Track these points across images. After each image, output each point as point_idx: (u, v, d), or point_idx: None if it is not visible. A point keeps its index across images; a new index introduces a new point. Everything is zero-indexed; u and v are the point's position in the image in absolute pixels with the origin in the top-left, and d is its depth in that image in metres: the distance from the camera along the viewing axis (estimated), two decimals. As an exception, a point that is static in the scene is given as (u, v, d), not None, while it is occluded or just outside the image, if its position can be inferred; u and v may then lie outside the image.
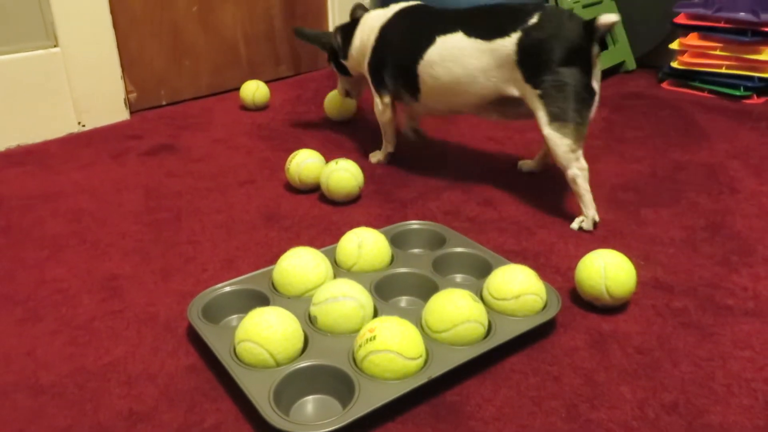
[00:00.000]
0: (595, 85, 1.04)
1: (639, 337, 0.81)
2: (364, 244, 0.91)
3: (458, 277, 0.94)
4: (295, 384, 0.71)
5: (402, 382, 0.70)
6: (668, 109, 1.65)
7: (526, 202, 1.16)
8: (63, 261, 1.00)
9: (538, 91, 1.04)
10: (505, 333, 0.78)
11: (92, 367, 0.77)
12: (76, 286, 0.94)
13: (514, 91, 1.09)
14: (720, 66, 1.71)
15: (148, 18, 1.66)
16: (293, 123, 1.60)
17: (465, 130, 1.53)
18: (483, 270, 0.91)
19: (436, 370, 0.72)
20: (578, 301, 0.88)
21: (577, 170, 1.05)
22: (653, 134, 1.48)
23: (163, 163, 1.36)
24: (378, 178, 1.28)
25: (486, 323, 0.78)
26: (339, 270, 0.92)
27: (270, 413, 0.65)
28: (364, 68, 1.30)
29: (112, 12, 1.55)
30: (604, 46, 1.90)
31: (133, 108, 1.67)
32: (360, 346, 0.72)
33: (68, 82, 1.50)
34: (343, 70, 1.40)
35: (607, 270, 0.84)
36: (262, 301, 0.84)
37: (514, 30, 1.05)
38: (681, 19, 1.74)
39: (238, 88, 1.74)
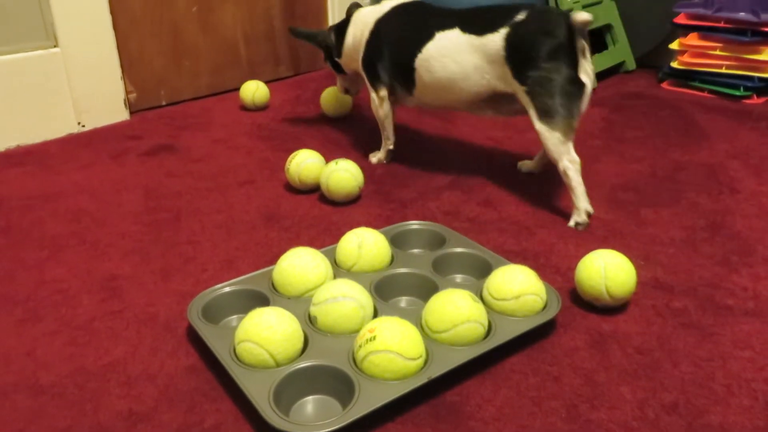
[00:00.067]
0: (585, 77, 1.05)
1: (639, 337, 0.81)
2: (364, 244, 0.91)
3: (458, 278, 0.94)
4: (295, 384, 0.71)
5: (402, 383, 0.70)
6: (668, 109, 1.65)
7: (526, 202, 1.16)
8: (63, 261, 1.00)
9: (525, 87, 1.06)
10: (505, 333, 0.78)
11: (92, 368, 0.77)
12: (76, 287, 0.94)
13: (506, 88, 1.11)
14: (720, 66, 1.71)
15: (148, 18, 1.66)
16: (293, 123, 1.60)
17: (465, 130, 1.53)
18: (483, 270, 0.91)
19: (436, 371, 0.72)
20: (578, 301, 0.88)
21: (568, 163, 1.07)
22: (653, 134, 1.48)
23: (163, 164, 1.36)
24: (378, 178, 1.28)
25: (486, 323, 0.78)
26: (339, 270, 0.92)
27: (270, 413, 0.65)
28: (359, 64, 1.31)
29: (112, 12, 1.55)
30: (603, 46, 1.91)
31: (133, 108, 1.67)
32: (360, 346, 0.72)
33: (68, 82, 1.50)
34: (339, 69, 1.42)
35: (607, 270, 0.84)
36: (262, 301, 0.84)
37: (503, 26, 1.08)
38: (681, 19, 1.74)
39: (237, 89, 1.74)
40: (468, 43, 1.12)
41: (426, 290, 0.86)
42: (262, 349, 0.72)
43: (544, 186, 1.22)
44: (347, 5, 1.40)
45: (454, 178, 1.27)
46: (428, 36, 1.17)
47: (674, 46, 1.78)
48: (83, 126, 1.55)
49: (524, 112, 1.10)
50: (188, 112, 1.69)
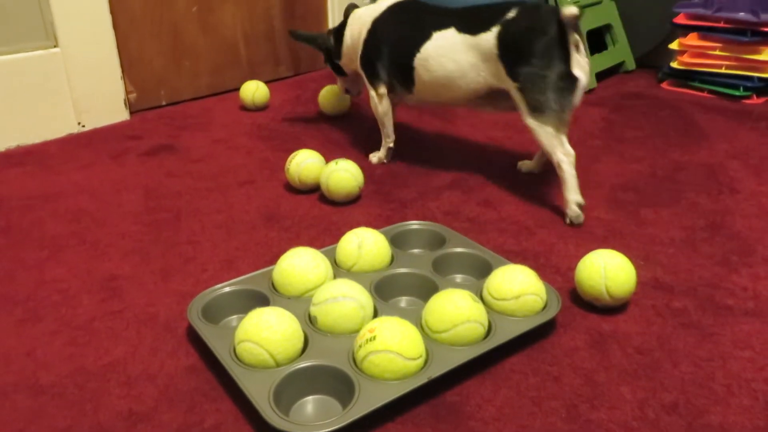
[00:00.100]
0: (579, 71, 1.06)
1: (639, 337, 0.81)
2: (364, 244, 0.91)
3: (458, 278, 0.94)
4: (295, 384, 0.71)
5: (402, 383, 0.70)
6: (668, 109, 1.65)
7: (526, 202, 1.16)
8: (63, 261, 1.00)
9: (517, 84, 1.07)
10: (505, 333, 0.78)
11: (92, 368, 0.77)
12: (76, 287, 0.94)
13: (501, 85, 1.12)
14: (720, 66, 1.71)
15: (148, 18, 1.66)
16: (293, 123, 1.60)
17: (465, 129, 1.53)
18: (483, 270, 0.91)
19: (436, 371, 0.72)
20: (578, 301, 0.88)
21: (562, 155, 1.07)
22: (653, 134, 1.48)
23: (163, 164, 1.36)
24: (378, 178, 1.28)
25: (486, 323, 0.78)
26: (339, 270, 0.92)
27: (270, 413, 0.65)
28: (357, 64, 1.31)
29: (112, 12, 1.55)
30: (603, 46, 1.91)
31: (132, 108, 1.67)
32: (360, 346, 0.72)
33: (68, 83, 1.50)
34: (339, 71, 1.43)
35: (607, 270, 0.84)
36: (262, 301, 0.84)
37: (494, 24, 1.10)
38: (681, 19, 1.74)
39: (237, 89, 1.74)
40: (463, 43, 1.13)
41: (426, 290, 0.86)
42: (262, 349, 0.72)
43: (544, 186, 1.22)
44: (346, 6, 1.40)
45: (454, 178, 1.27)
46: (426, 36, 1.18)
47: (674, 46, 1.78)
48: (83, 126, 1.55)
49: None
50: (188, 112, 1.69)
